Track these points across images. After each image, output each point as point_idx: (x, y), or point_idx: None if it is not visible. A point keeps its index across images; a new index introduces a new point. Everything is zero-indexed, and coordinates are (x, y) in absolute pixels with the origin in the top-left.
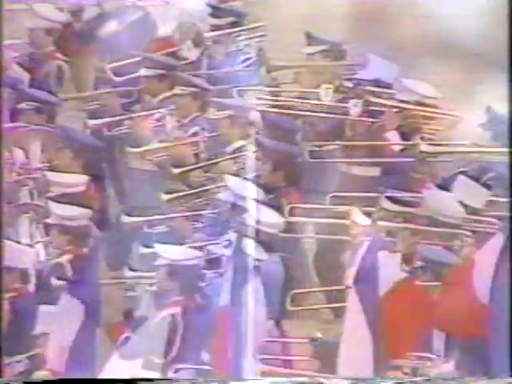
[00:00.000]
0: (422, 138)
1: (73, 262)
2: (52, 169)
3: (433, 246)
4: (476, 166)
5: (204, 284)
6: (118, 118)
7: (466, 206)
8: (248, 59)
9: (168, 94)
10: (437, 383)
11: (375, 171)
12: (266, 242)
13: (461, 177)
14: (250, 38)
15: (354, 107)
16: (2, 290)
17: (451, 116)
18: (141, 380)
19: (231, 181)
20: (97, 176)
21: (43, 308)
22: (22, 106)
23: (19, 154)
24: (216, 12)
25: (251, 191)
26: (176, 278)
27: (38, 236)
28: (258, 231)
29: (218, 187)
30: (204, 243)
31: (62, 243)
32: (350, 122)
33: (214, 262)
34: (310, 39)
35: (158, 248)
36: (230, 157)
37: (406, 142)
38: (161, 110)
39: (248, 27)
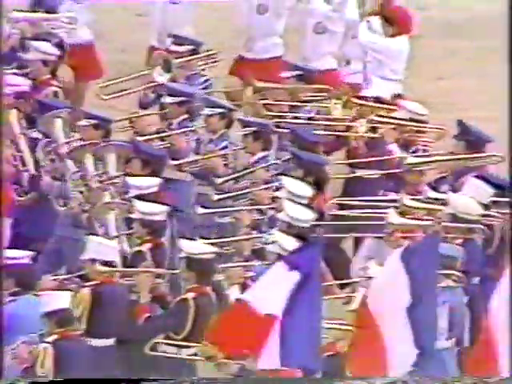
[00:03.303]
0: (415, 151)
1: (152, 249)
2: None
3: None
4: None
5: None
6: (157, 135)
7: (481, 204)
8: (206, 81)
9: (184, 116)
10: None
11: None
12: (297, 235)
13: (472, 179)
14: (206, 64)
15: (361, 126)
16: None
17: (439, 129)
18: (143, 380)
19: (287, 181)
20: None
21: None
22: (82, 122)
23: (90, 165)
24: (178, 40)
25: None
26: (192, 268)
27: (121, 229)
28: (290, 225)
29: (268, 189)
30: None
31: (143, 234)
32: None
33: (259, 254)
34: (287, 65)
35: (182, 243)
36: (262, 165)
37: (397, 156)
38: (191, 128)
39: (204, 54)
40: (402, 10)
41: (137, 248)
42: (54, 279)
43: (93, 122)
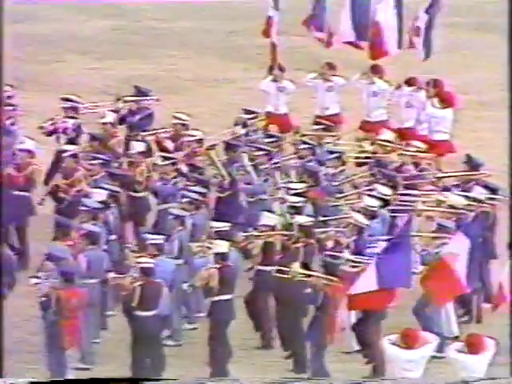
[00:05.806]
0: (439, 170)
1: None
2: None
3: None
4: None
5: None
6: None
7: (468, 198)
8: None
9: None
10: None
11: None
12: (366, 214)
13: (476, 186)
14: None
15: (393, 157)
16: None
17: (432, 156)
18: (144, 380)
19: (378, 186)
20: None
21: None
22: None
23: (278, 177)
24: (246, 112)
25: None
26: (301, 230)
27: (281, 210)
28: (366, 209)
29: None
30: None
31: (291, 213)
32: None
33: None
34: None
35: (297, 218)
36: (352, 177)
37: (424, 173)
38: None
39: (258, 119)
40: (450, 93)
41: (289, 221)
42: (243, 235)
43: (263, 152)
